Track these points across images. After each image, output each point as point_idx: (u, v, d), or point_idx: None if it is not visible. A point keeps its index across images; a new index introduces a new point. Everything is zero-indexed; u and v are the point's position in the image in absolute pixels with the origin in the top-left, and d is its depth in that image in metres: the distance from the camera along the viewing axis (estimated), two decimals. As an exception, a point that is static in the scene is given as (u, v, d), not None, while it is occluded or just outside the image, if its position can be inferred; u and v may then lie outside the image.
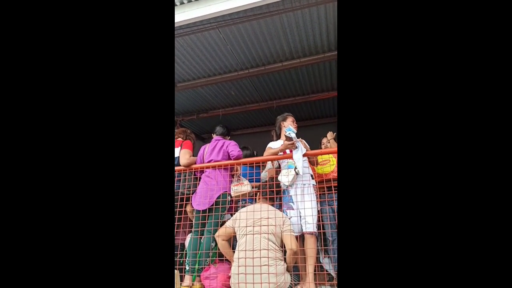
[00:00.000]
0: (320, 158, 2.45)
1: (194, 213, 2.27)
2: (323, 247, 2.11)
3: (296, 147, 2.07)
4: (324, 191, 2.06)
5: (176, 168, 2.35)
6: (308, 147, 2.20)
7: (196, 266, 2.04)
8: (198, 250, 2.10)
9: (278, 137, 2.48)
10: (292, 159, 2.08)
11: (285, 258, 1.84)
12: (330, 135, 2.70)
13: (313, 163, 2.32)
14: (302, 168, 2.04)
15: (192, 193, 2.31)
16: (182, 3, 2.27)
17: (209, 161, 2.33)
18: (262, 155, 2.39)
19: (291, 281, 1.86)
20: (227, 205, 2.19)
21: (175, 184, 2.27)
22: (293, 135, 2.08)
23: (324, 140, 2.78)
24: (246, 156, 2.47)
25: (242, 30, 2.66)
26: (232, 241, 2.00)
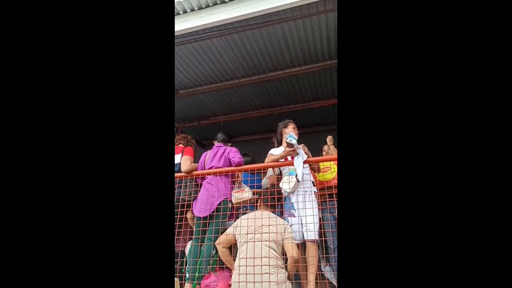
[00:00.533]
0: (321, 165, 2.44)
1: (194, 220, 2.26)
2: (324, 255, 2.09)
3: (298, 154, 2.07)
4: (326, 199, 2.04)
5: (177, 174, 2.35)
6: (310, 154, 2.20)
7: (197, 274, 2.01)
8: (199, 258, 2.08)
9: (280, 144, 2.48)
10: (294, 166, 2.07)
11: (286, 266, 1.82)
12: (330, 139, 2.70)
13: (315, 169, 2.31)
14: (303, 175, 2.04)
15: (193, 200, 2.31)
16: (185, 12, 2.32)
17: (210, 168, 2.33)
18: (262, 162, 2.39)
19: (292, 289, 1.84)
20: (228, 212, 2.18)
21: (176, 191, 2.27)
22: (294, 141, 2.08)
23: (325, 147, 2.78)
24: (246, 163, 2.47)
25: (244, 38, 2.69)
26: (233, 248, 1.98)
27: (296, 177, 2.03)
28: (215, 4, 2.24)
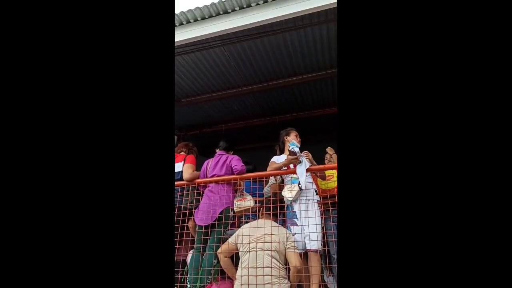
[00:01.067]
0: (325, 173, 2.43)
1: (196, 229, 2.24)
2: (327, 265, 2.06)
3: (300, 162, 2.06)
4: (328, 207, 2.03)
5: (178, 182, 2.34)
6: (314, 161, 2.19)
7: (198, 284, 1.98)
8: (200, 267, 2.05)
9: (282, 152, 2.47)
10: (296, 174, 2.06)
11: (288, 276, 1.79)
12: (330, 149, 2.69)
13: (322, 177, 2.30)
14: (306, 183, 2.02)
15: (195, 208, 2.29)
16: (188, 22, 2.35)
17: (212, 176, 2.32)
18: (264, 170, 2.38)
19: (295, 300, 1.81)
20: (230, 221, 2.16)
21: (178, 199, 2.26)
22: (296, 149, 2.07)
23: (327, 156, 2.77)
24: (248, 171, 2.46)
25: (246, 47, 2.73)
26: (234, 257, 1.96)
27: (298, 185, 2.02)
28: (218, 14, 2.28)
